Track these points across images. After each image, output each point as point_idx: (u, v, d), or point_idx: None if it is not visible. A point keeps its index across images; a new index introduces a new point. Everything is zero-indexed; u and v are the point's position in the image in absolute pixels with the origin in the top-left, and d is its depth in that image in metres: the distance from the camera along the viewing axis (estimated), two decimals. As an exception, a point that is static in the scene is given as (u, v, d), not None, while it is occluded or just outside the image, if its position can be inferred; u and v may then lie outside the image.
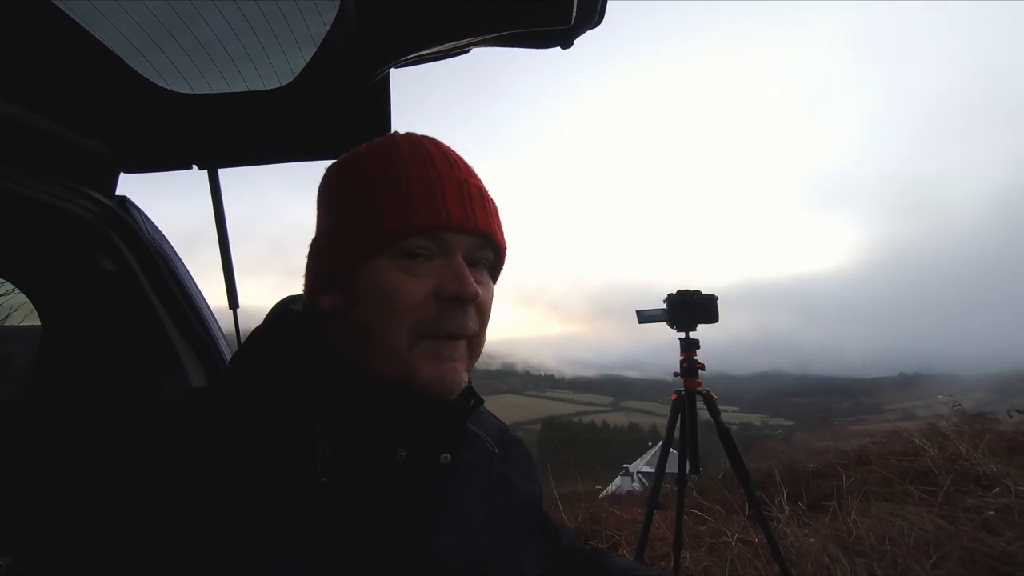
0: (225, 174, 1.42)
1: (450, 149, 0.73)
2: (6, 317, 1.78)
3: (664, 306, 2.78)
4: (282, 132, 1.30)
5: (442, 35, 1.02)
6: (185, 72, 1.06)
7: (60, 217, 1.22)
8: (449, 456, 0.68)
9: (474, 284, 0.66)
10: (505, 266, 0.77)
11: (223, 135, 1.29)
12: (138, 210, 1.38)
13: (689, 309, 2.75)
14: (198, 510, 0.53)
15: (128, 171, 1.37)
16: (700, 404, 2.76)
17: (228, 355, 1.47)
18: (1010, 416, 5.36)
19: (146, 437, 0.59)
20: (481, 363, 0.75)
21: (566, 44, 1.06)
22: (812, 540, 3.31)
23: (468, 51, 1.09)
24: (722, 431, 2.71)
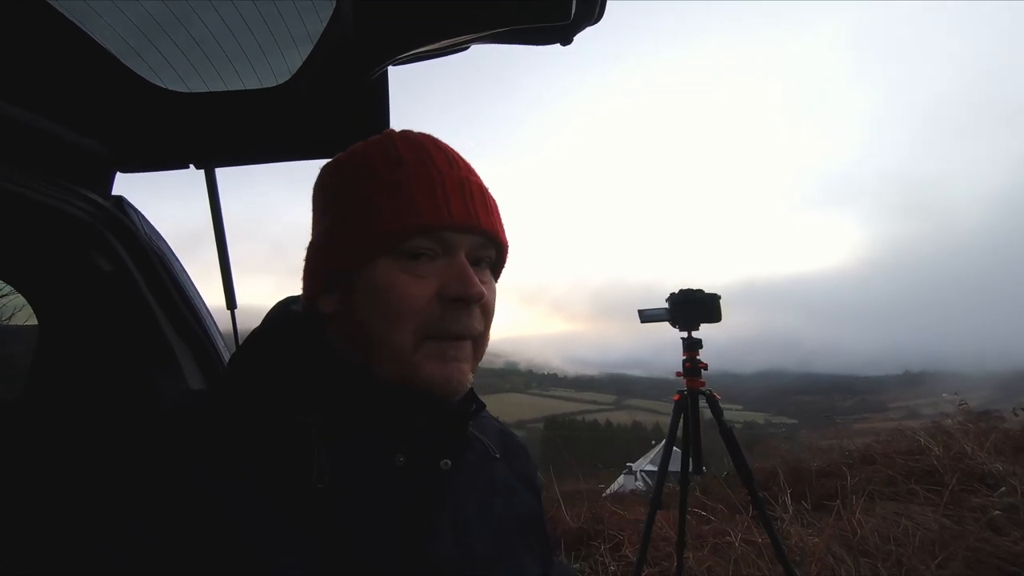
0: (223, 174, 1.41)
1: (448, 147, 0.72)
2: (9, 317, 1.78)
3: (666, 305, 2.77)
4: (279, 131, 1.29)
5: (440, 32, 1.01)
6: (181, 71, 1.05)
7: (56, 217, 1.22)
8: (450, 462, 0.67)
9: (478, 284, 0.65)
10: (507, 264, 0.76)
11: (220, 134, 1.28)
12: (135, 210, 1.38)
13: (692, 308, 2.73)
14: (198, 510, 0.53)
15: (125, 171, 1.37)
16: (703, 403, 2.75)
17: (226, 356, 1.47)
18: (1016, 414, 5.34)
19: (146, 437, 0.59)
20: (484, 362, 0.75)
21: (566, 40, 1.05)
22: (816, 540, 3.31)
23: (467, 48, 1.08)
24: (725, 431, 2.69)
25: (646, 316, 2.81)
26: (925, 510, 3.47)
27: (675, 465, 2.82)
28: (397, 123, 1.29)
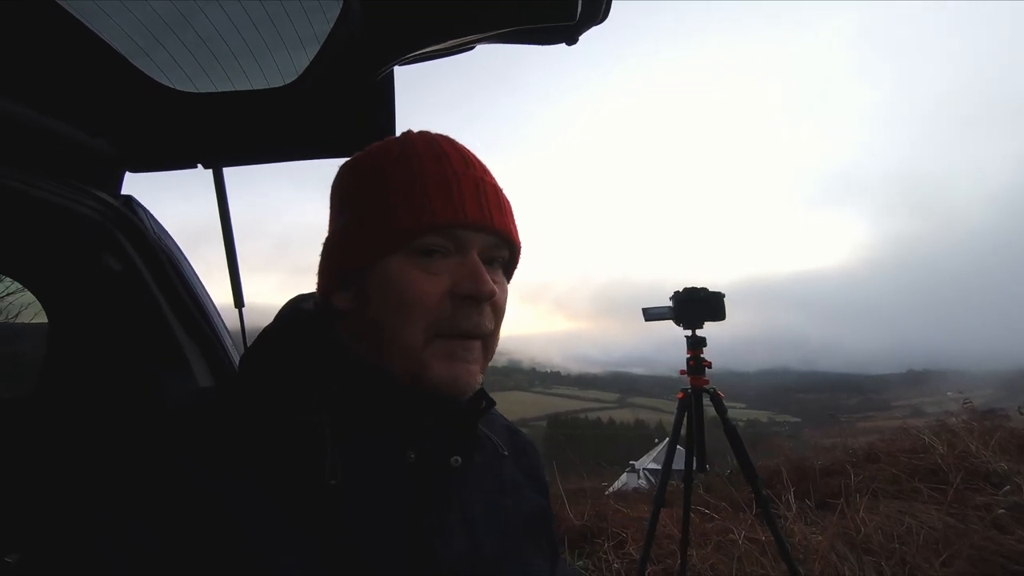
0: (230, 173, 1.42)
1: (464, 147, 0.72)
2: (16, 315, 1.79)
3: (670, 303, 2.77)
4: (286, 130, 1.30)
5: (446, 32, 1.01)
6: (189, 70, 1.06)
7: (66, 217, 1.23)
8: (460, 459, 0.67)
9: (490, 282, 0.65)
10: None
11: (227, 134, 1.29)
12: (144, 209, 1.39)
13: (696, 307, 2.73)
14: (198, 510, 0.53)
15: (133, 170, 1.38)
16: (707, 402, 2.75)
17: (234, 354, 1.47)
18: (1021, 413, 5.32)
19: (147, 437, 0.59)
20: (487, 360, 0.73)
21: (571, 40, 1.05)
22: (820, 538, 3.30)
23: (472, 48, 1.08)
24: (729, 429, 2.69)
25: (650, 314, 2.81)
26: (929, 508, 3.46)
27: (679, 463, 2.82)
28: (402, 123, 1.29)
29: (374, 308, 0.65)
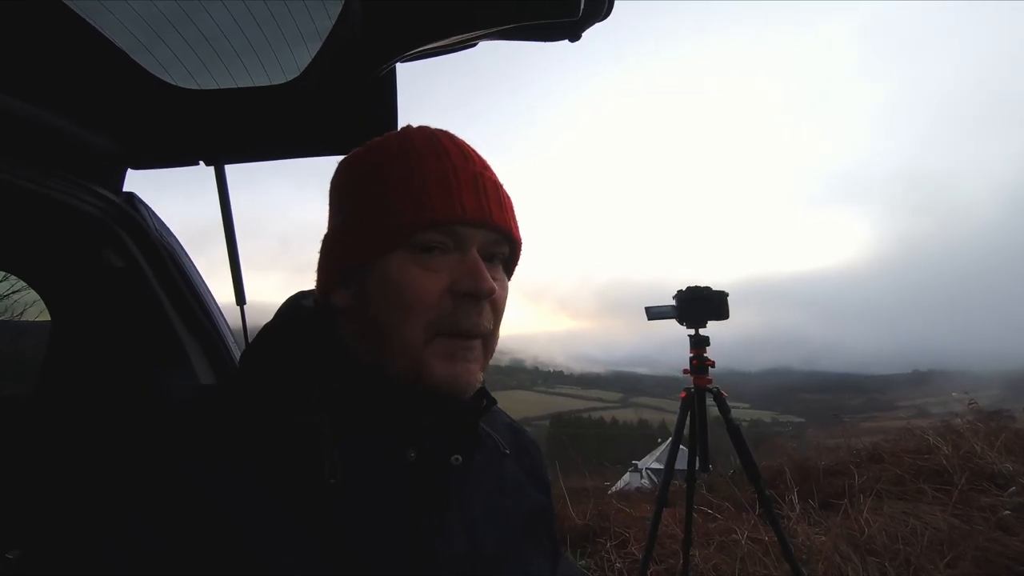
0: (232, 170, 1.42)
1: (464, 142, 0.72)
2: (21, 313, 1.80)
3: (673, 302, 2.77)
4: (288, 128, 1.29)
5: (449, 29, 1.00)
6: (191, 67, 1.06)
7: (68, 213, 1.23)
8: (460, 458, 0.67)
9: (490, 279, 0.65)
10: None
11: (229, 131, 1.29)
12: (145, 206, 1.39)
13: (699, 306, 2.73)
14: (198, 510, 0.53)
15: (135, 167, 1.38)
16: (710, 401, 2.74)
17: (235, 351, 1.48)
18: (1027, 414, 5.29)
19: (147, 436, 0.59)
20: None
21: (574, 37, 1.04)
22: (823, 539, 3.29)
23: (475, 44, 1.08)
24: (732, 429, 2.69)
25: (653, 313, 2.81)
26: (934, 509, 3.44)
27: (681, 463, 2.81)
28: (404, 119, 1.29)
29: (374, 305, 0.65)
